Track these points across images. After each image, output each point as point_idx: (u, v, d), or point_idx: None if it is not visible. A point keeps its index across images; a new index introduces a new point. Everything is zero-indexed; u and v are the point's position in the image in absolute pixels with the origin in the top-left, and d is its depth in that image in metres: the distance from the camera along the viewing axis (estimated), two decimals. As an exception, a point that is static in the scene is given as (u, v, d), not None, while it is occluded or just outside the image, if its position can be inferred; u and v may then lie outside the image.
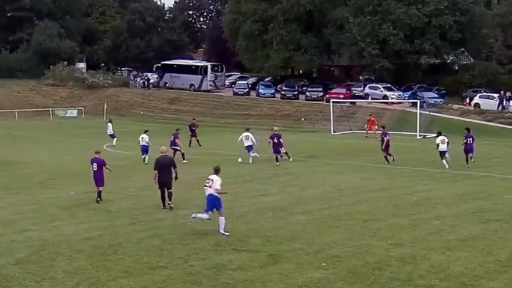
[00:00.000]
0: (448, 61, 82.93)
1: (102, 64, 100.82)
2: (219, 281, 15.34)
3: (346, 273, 15.85)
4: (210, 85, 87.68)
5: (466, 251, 17.74)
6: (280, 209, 23.56)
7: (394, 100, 71.30)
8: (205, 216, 20.03)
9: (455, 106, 68.24)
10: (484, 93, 68.55)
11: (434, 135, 39.02)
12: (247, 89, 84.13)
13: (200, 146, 45.94)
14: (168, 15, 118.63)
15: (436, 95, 72.10)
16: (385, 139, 37.18)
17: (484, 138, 47.43)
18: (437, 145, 35.16)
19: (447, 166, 34.54)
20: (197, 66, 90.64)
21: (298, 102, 77.43)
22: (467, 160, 35.01)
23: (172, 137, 39.01)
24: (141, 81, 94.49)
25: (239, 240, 18.97)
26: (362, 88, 76.87)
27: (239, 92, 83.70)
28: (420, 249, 17.83)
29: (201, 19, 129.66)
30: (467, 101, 69.40)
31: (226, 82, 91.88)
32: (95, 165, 25.56)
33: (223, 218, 19.89)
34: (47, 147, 49.65)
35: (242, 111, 76.90)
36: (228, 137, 49.18)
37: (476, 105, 67.07)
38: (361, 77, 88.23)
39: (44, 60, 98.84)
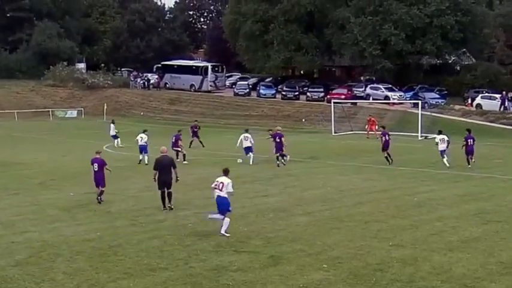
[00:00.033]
0: (450, 61, 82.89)
1: (102, 64, 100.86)
2: (219, 283, 15.25)
3: (347, 274, 15.76)
4: (211, 85, 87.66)
5: (467, 252, 17.64)
6: (281, 210, 23.49)
7: (396, 101, 71.23)
8: (221, 216, 19.91)
9: (457, 107, 68.16)
10: (486, 94, 68.42)
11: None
12: (247, 90, 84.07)
13: (204, 146, 45.97)
14: (168, 15, 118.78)
15: (437, 96, 72.01)
16: (384, 138, 37.20)
17: (486, 139, 47.40)
18: (437, 143, 35.33)
19: (447, 165, 34.63)
20: (197, 67, 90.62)
21: (299, 103, 77.41)
22: (468, 161, 34.99)
23: (174, 138, 38.97)
24: (141, 82, 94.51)
25: (240, 241, 18.89)
26: (363, 89, 76.81)
27: (240, 93, 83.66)
28: (422, 251, 17.74)
29: (202, 19, 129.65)
30: (469, 101, 69.26)
31: (227, 83, 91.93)
32: (96, 166, 25.49)
33: (228, 219, 19.76)
34: (47, 148, 49.63)
35: (243, 112, 76.88)
36: (228, 137, 49.08)
37: (478, 105, 66.95)
38: (362, 78, 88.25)
39: (43, 60, 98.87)
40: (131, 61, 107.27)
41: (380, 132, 41.71)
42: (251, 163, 36.68)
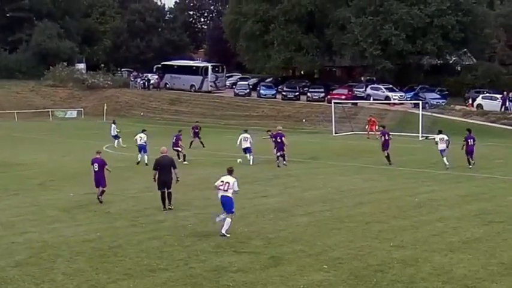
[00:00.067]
0: (451, 62, 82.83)
1: (102, 65, 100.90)
2: (219, 284, 15.21)
3: (348, 275, 15.71)
4: (211, 86, 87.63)
5: (468, 253, 17.58)
6: (282, 211, 23.44)
7: (396, 101, 71.19)
8: (228, 221, 19.71)
9: (458, 107, 68.09)
10: (487, 94, 68.36)
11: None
12: (248, 90, 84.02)
13: (204, 147, 46.00)
14: (168, 15, 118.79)
15: (438, 96, 71.93)
16: (383, 138, 37.22)
17: (487, 139, 47.35)
18: (436, 143, 35.51)
19: (447, 163, 34.75)
20: (198, 67, 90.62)
21: (300, 103, 77.38)
22: (469, 161, 34.96)
23: (175, 138, 39.01)
24: (141, 82, 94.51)
25: (240, 242, 18.84)
26: (364, 89, 76.78)
27: (240, 93, 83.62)
28: (422, 252, 17.69)
29: (202, 19, 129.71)
30: (470, 101, 69.20)
31: (227, 83, 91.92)
32: (96, 166, 25.49)
33: (229, 220, 19.68)
34: (47, 148, 49.64)
35: (243, 112, 76.84)
36: (228, 138, 49.06)
37: (479, 106, 66.88)
38: (362, 78, 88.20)
39: (43, 61, 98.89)
40: (131, 61, 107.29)
41: (379, 132, 41.70)
42: (251, 163, 36.65)
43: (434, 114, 62.94)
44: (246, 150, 37.56)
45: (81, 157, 37.25)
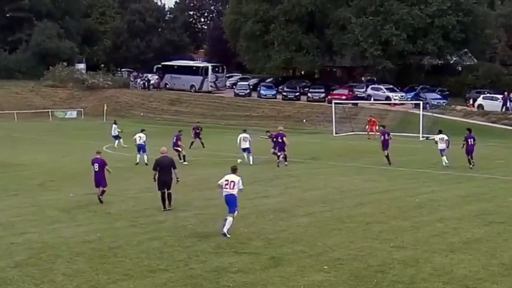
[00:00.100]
0: (451, 62, 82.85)
1: (102, 65, 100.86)
2: (219, 284, 15.17)
3: (348, 276, 15.67)
4: (211, 86, 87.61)
5: (469, 253, 17.54)
6: (282, 211, 23.40)
7: (397, 101, 71.17)
8: (230, 220, 19.66)
9: (459, 107, 68.10)
10: (488, 94, 68.36)
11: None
12: (248, 90, 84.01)
13: (204, 147, 45.99)
14: (168, 15, 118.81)
15: (439, 96, 71.96)
16: (383, 137, 37.27)
17: (488, 139, 47.35)
18: (436, 142, 35.70)
19: (446, 162, 34.95)
20: (198, 67, 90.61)
21: (300, 104, 77.37)
22: (469, 161, 34.94)
23: (175, 138, 39.07)
24: (141, 82, 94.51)
25: (240, 242, 18.79)
26: (364, 89, 76.80)
27: (240, 93, 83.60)
28: (423, 252, 17.65)
29: (202, 19, 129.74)
30: (471, 102, 69.22)
31: (227, 83, 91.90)
32: (96, 166, 25.47)
33: (231, 219, 19.64)
34: (46, 148, 49.62)
35: (243, 113, 76.81)
36: (228, 138, 49.04)
37: (480, 106, 66.88)
38: (363, 78, 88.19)
39: (43, 61, 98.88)
40: (131, 61, 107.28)
41: (379, 133, 41.72)
42: (251, 163, 36.62)
43: (435, 115, 62.93)
44: (245, 150, 37.65)
45: (81, 157, 37.23)
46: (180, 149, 38.49)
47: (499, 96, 66.03)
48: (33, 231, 20.59)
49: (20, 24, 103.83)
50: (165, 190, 23.50)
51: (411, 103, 69.20)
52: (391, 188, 29.04)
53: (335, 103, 64.43)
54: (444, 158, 35.15)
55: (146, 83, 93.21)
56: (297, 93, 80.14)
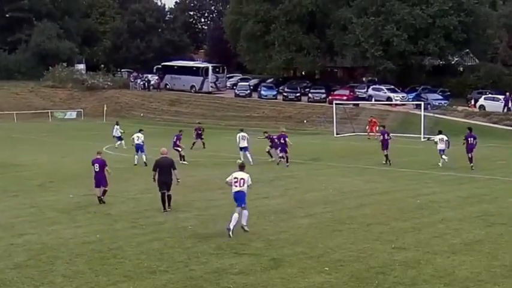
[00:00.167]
0: (453, 62, 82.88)
1: (102, 65, 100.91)
2: (220, 286, 15.10)
3: (349, 277, 15.59)
4: (211, 87, 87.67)
5: (471, 255, 17.46)
6: (283, 212, 23.34)
7: (398, 102, 71.15)
8: (235, 216, 19.86)
9: (460, 108, 68.07)
10: (489, 95, 68.34)
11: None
12: (248, 91, 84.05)
13: (204, 148, 45.99)
14: (168, 15, 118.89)
15: (440, 97, 71.92)
16: (382, 138, 37.40)
17: (489, 140, 47.34)
18: (436, 143, 35.85)
19: (445, 158, 35.06)
20: (198, 68, 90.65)
21: (301, 104, 77.37)
22: (470, 160, 34.92)
23: (175, 138, 39.16)
24: (141, 83, 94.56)
25: (241, 243, 18.72)
26: (365, 90, 76.83)
27: (240, 94, 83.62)
28: (424, 253, 17.56)
29: (202, 20, 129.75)
30: (472, 102, 69.22)
31: (228, 83, 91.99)
32: (97, 166, 25.42)
33: (246, 211, 20.07)
34: (46, 149, 49.59)
35: (244, 113, 76.81)
36: (228, 139, 49.01)
37: (481, 107, 66.86)
38: (364, 79, 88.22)
39: (43, 61, 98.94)
40: (131, 62, 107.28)
41: (379, 133, 41.74)
42: (251, 163, 36.58)
43: (436, 115, 62.88)
44: (244, 149, 37.90)
45: (81, 158, 37.20)
46: (179, 149, 38.49)
47: (501, 97, 66.00)
48: (32, 233, 20.51)
49: (20, 25, 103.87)
50: (165, 191, 23.44)
51: (412, 104, 69.21)
52: (392, 189, 28.97)
53: (336, 104, 64.42)
54: (443, 156, 35.24)
55: (146, 84, 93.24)
56: (298, 94, 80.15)
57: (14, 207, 25.17)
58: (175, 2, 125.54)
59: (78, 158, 40.08)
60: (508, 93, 65.42)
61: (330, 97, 73.69)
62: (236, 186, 20.12)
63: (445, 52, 77.20)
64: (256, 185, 29.45)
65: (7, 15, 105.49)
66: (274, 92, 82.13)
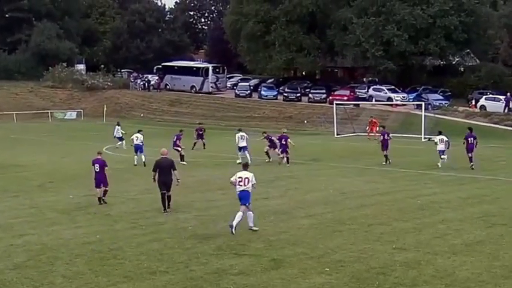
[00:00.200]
0: (454, 62, 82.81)
1: (102, 65, 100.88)
2: (220, 286, 15.09)
3: (350, 278, 15.57)
4: (212, 87, 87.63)
5: (471, 255, 17.44)
6: (283, 213, 23.32)
7: (399, 102, 71.13)
8: (239, 214, 19.98)
9: (461, 108, 68.04)
10: (490, 95, 68.31)
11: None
12: (249, 91, 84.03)
13: (204, 148, 45.96)
14: (168, 16, 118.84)
15: (441, 97, 71.93)
16: (382, 138, 37.45)
17: (490, 140, 47.32)
18: (436, 143, 35.92)
19: (444, 158, 35.08)
20: (198, 68, 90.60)
21: (301, 104, 77.34)
22: (470, 159, 34.93)
23: (175, 137, 39.20)
24: (142, 83, 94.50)
25: (241, 244, 18.70)
26: (366, 90, 76.79)
27: (241, 94, 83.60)
28: (425, 254, 17.54)
29: (202, 20, 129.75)
30: (473, 103, 69.17)
31: (228, 84, 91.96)
32: (97, 166, 25.40)
33: (251, 212, 20.20)
34: (46, 149, 49.53)
35: (244, 114, 76.78)
36: (228, 139, 48.93)
37: (482, 107, 66.84)
38: (364, 79, 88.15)
39: (42, 61, 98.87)
40: (131, 62, 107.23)
41: (379, 133, 41.73)
42: (249, 162, 36.51)
43: (437, 116, 62.89)
44: (243, 148, 38.09)
45: (81, 158, 37.17)
46: (179, 149, 38.48)
47: (502, 97, 65.97)
48: (32, 233, 20.49)
49: (20, 25, 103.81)
50: (166, 191, 23.40)
51: (413, 104, 69.16)
52: (393, 189, 28.95)
53: (336, 104, 64.39)
54: (443, 156, 35.29)
55: (146, 84, 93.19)
56: (298, 94, 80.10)
57: (13, 208, 25.13)
58: (176, 2, 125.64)
59: (78, 158, 40.05)
60: (508, 94, 65.33)
61: (330, 97, 73.65)
62: (241, 185, 20.26)
63: (445, 52, 77.15)
64: (257, 185, 29.61)
65: (7, 16, 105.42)
66: (275, 92, 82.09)
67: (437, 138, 36.00)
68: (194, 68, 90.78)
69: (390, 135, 38.77)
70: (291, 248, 18.30)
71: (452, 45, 75.07)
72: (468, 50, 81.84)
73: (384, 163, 36.94)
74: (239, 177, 20.35)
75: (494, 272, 15.99)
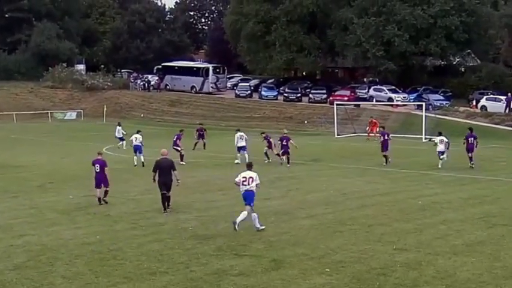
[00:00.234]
0: (454, 63, 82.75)
1: (102, 66, 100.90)
2: (220, 287, 15.05)
3: (351, 279, 15.53)
4: (212, 87, 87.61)
5: (472, 256, 17.41)
6: (284, 213, 23.29)
7: (399, 102, 71.11)
8: (244, 213, 20.05)
9: (462, 108, 68.01)
10: (491, 96, 68.24)
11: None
12: (249, 91, 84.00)
13: (204, 148, 45.94)
14: (168, 16, 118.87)
15: (442, 97, 71.89)
16: (382, 138, 37.49)
17: (491, 141, 47.29)
18: (436, 144, 36.01)
19: (439, 166, 35.15)
20: (198, 68, 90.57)
21: (302, 105, 77.30)
22: (470, 159, 34.90)
23: (175, 137, 39.19)
24: (142, 83, 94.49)
25: (241, 245, 18.67)
26: (366, 90, 76.74)
27: (241, 94, 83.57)
28: (426, 255, 17.51)
29: (203, 20, 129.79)
30: (474, 103, 69.10)
31: (228, 84, 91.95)
32: (97, 167, 25.38)
33: (255, 214, 20.22)
34: (46, 150, 49.53)
35: (244, 114, 76.76)
36: (228, 139, 48.89)
37: (483, 107, 66.80)
38: (365, 79, 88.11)
39: (42, 61, 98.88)
40: (131, 62, 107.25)
41: (379, 134, 41.72)
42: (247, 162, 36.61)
43: (437, 116, 62.89)
44: (241, 148, 38.34)
45: (81, 159, 37.16)
46: (179, 149, 38.47)
47: (503, 98, 65.90)
48: (32, 234, 20.45)
49: (19, 25, 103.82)
50: (165, 192, 23.37)
51: (414, 104, 69.12)
52: (394, 190, 28.92)
53: (337, 104, 64.39)
54: (444, 156, 35.38)
55: (146, 84, 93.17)
56: (299, 95, 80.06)
57: (13, 208, 25.10)
58: (176, 2, 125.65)
59: (78, 158, 40.04)
60: (509, 94, 65.24)
61: (330, 98, 73.63)
62: (245, 185, 20.28)
63: (446, 52, 77.10)
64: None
65: (7, 16, 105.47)
66: (275, 93, 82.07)
67: (437, 139, 36.11)
68: (194, 68, 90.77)
69: (390, 135, 38.76)
70: (291, 248, 18.27)
71: (453, 45, 75.02)
72: (469, 50, 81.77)
73: (384, 164, 36.93)
74: (243, 177, 20.39)
75: (495, 272, 15.95)
